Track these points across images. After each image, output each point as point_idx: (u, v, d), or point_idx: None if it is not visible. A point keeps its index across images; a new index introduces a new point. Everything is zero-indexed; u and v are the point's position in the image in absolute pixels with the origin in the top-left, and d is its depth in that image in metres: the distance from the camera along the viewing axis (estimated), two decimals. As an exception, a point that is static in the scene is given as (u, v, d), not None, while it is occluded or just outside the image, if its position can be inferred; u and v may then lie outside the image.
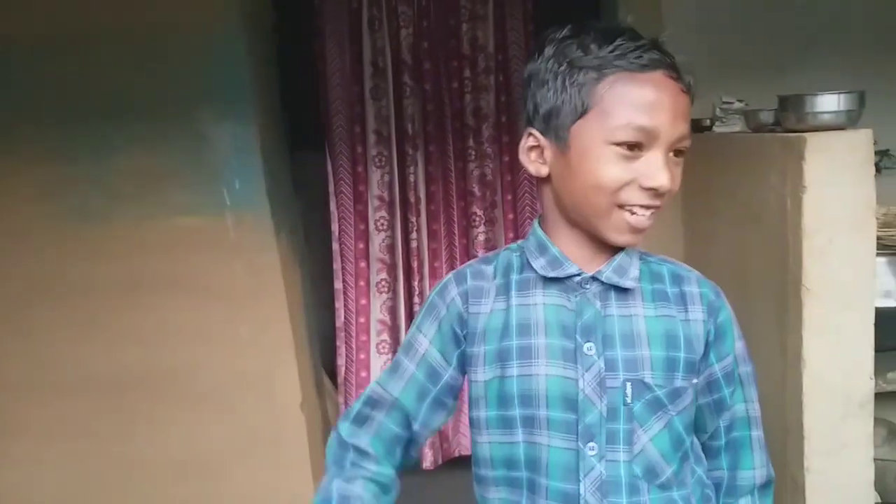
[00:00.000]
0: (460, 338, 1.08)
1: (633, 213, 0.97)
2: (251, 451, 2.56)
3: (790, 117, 1.80)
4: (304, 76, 2.94)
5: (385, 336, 3.07)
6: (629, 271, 1.04)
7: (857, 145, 1.69)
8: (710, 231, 2.32)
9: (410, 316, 3.07)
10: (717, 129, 2.32)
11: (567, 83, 0.96)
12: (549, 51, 0.99)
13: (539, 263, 1.05)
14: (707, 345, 1.05)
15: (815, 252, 1.72)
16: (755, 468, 1.11)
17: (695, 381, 1.04)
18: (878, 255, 1.76)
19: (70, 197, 2.41)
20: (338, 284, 3.03)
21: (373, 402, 1.12)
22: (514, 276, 1.07)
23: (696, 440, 1.11)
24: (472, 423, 1.09)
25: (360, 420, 1.11)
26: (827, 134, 1.70)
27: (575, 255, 1.04)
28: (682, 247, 2.55)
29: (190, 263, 2.44)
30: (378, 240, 3.02)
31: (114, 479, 2.57)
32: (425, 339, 1.09)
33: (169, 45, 2.32)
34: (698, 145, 2.27)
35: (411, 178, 2.97)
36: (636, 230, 0.99)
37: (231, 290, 2.46)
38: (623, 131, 0.94)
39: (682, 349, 1.02)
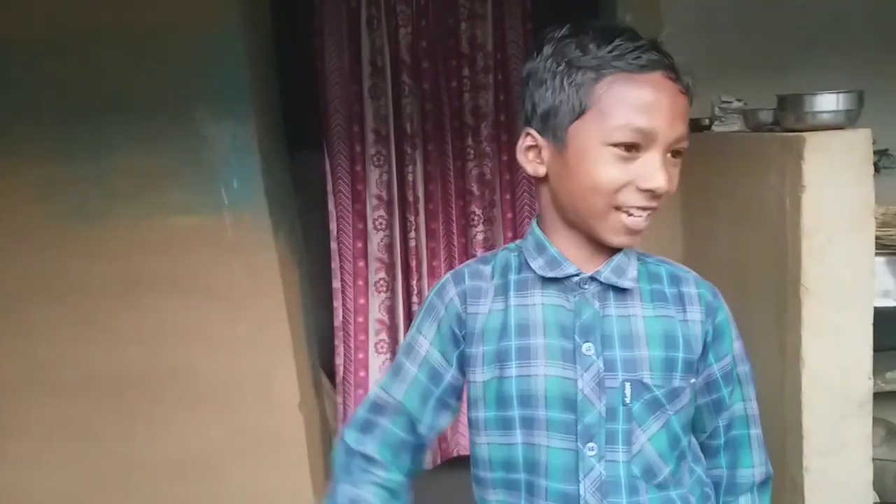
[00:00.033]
0: (459, 338, 1.07)
1: (629, 215, 0.97)
2: (250, 450, 2.56)
3: (789, 117, 1.79)
4: (302, 75, 2.94)
5: (383, 335, 3.07)
6: (627, 271, 1.04)
7: (856, 145, 1.69)
8: (709, 230, 2.32)
9: (409, 315, 3.07)
10: (716, 128, 2.32)
11: (565, 83, 0.96)
12: (547, 50, 0.99)
13: (537, 264, 1.05)
14: (705, 345, 1.06)
15: (813, 251, 1.72)
16: (754, 466, 1.12)
17: (693, 381, 1.05)
18: (876, 254, 1.75)
19: (69, 196, 2.41)
20: (336, 284, 3.03)
21: (377, 408, 1.11)
22: (513, 277, 1.07)
23: (693, 439, 1.11)
24: (471, 424, 1.09)
25: (366, 427, 1.11)
26: (826, 133, 1.70)
27: (573, 256, 1.04)
28: (681, 246, 2.55)
29: (188, 263, 2.44)
30: (376, 239, 3.02)
31: (113, 479, 2.57)
32: (425, 341, 1.09)
33: (168, 44, 2.32)
34: (697, 145, 2.26)
35: (410, 177, 2.97)
36: (633, 232, 0.99)
37: (229, 289, 2.46)
38: (620, 132, 0.93)
39: (680, 349, 1.02)
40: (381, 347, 3.07)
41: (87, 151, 2.38)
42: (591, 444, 0.99)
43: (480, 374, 1.05)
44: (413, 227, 2.99)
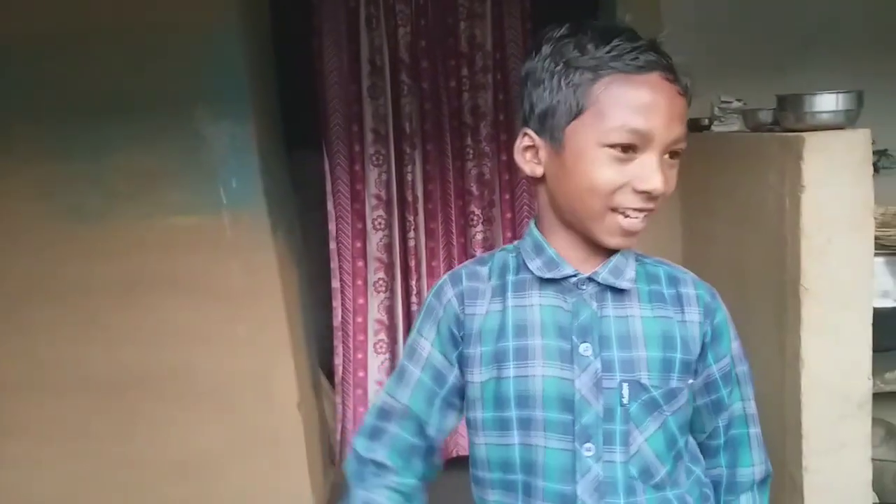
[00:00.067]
0: (458, 339, 1.07)
1: (626, 216, 0.97)
2: (249, 450, 2.56)
3: (789, 117, 1.79)
4: (301, 75, 2.94)
5: (382, 335, 3.07)
6: (625, 272, 1.03)
7: (856, 145, 1.69)
8: (709, 231, 2.32)
9: (408, 315, 3.07)
10: (716, 128, 2.32)
11: (563, 83, 0.96)
12: (546, 50, 0.99)
13: (535, 265, 1.04)
14: (704, 346, 1.06)
15: (813, 252, 1.72)
16: (754, 465, 1.12)
17: (690, 381, 1.05)
18: (876, 254, 1.75)
19: (68, 196, 2.42)
20: (335, 283, 3.03)
21: (384, 414, 1.11)
22: (511, 277, 1.07)
23: (691, 440, 1.11)
24: (469, 425, 1.09)
25: (374, 434, 1.11)
26: (825, 133, 1.70)
27: (571, 256, 1.04)
28: (680, 246, 2.55)
29: (187, 263, 2.44)
30: (375, 239, 3.02)
31: (113, 479, 2.57)
32: (427, 343, 1.09)
33: (167, 44, 2.32)
34: (697, 145, 2.27)
35: (409, 177, 2.97)
36: (629, 233, 0.99)
37: (228, 289, 2.46)
38: (617, 133, 0.93)
39: (678, 350, 1.02)
40: (380, 347, 3.07)
41: (87, 151, 2.39)
42: (588, 445, 0.99)
43: (478, 375, 1.05)
44: (412, 227, 2.99)
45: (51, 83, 2.35)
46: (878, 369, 1.83)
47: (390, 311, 3.06)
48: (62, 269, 2.45)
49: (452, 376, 1.08)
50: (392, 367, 3.06)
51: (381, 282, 3.04)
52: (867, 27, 2.56)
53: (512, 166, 3.01)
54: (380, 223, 3.00)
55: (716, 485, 1.12)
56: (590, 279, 1.03)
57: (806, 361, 1.76)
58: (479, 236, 3.05)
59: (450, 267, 2.90)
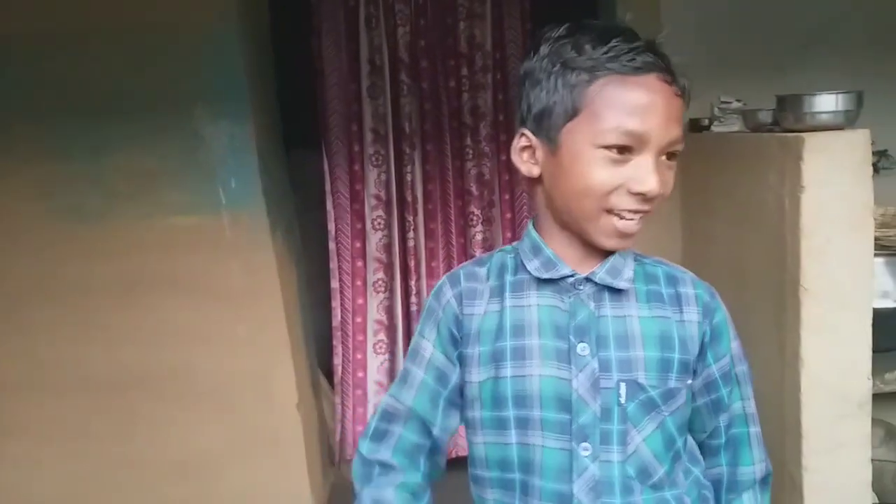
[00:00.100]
0: (457, 339, 1.08)
1: (621, 218, 0.97)
2: (248, 450, 2.56)
3: (788, 117, 1.80)
4: (300, 74, 2.94)
5: (382, 336, 3.07)
6: (623, 272, 1.04)
7: (856, 145, 1.69)
8: (709, 231, 2.32)
9: (407, 315, 3.07)
10: (716, 128, 2.32)
11: (559, 84, 0.96)
12: (544, 50, 0.98)
13: (533, 265, 1.05)
14: (703, 345, 1.06)
15: (813, 252, 1.72)
16: (755, 463, 1.12)
17: (689, 381, 1.05)
18: (875, 255, 1.76)
19: (67, 196, 2.41)
20: (334, 284, 3.03)
21: (388, 416, 1.12)
22: (509, 278, 1.07)
23: (690, 440, 1.11)
24: (468, 424, 1.10)
25: (379, 436, 1.11)
26: (825, 134, 1.70)
27: (568, 257, 1.04)
28: (680, 246, 2.56)
29: (186, 263, 2.44)
30: (375, 239, 3.01)
31: (112, 479, 2.57)
32: (429, 344, 1.10)
33: (167, 44, 2.32)
34: (696, 145, 2.27)
35: (408, 177, 2.96)
36: (624, 235, 0.99)
37: (228, 289, 2.47)
38: (612, 134, 0.93)
39: (676, 350, 1.02)
40: (380, 348, 3.07)
41: (87, 151, 2.39)
42: (584, 445, 0.99)
43: (476, 375, 1.05)
44: (412, 227, 2.99)
45: (51, 83, 2.35)
46: (877, 369, 1.83)
47: (390, 311, 3.06)
48: (62, 269, 2.45)
49: (455, 376, 1.09)
50: (391, 368, 3.06)
51: (380, 282, 3.04)
52: (867, 27, 2.56)
53: (511, 167, 2.98)
54: (379, 223, 3.00)
55: (717, 484, 1.13)
56: (587, 279, 1.03)
57: (805, 361, 1.76)
58: (479, 237, 3.05)
59: (449, 267, 2.90)
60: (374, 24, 2.86)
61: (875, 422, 1.85)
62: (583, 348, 1.00)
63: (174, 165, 2.39)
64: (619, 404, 0.99)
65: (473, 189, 3.01)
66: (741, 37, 2.53)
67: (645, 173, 0.94)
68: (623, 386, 0.99)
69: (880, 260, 2.02)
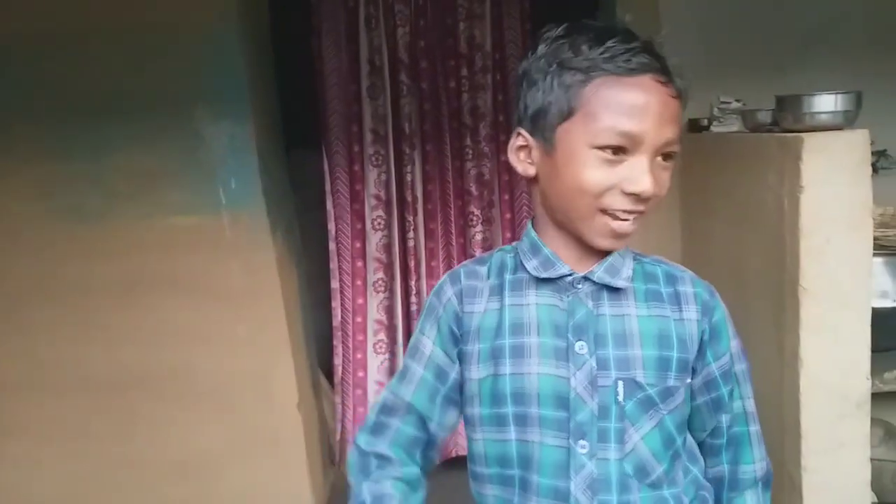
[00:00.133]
0: (457, 336, 1.08)
1: (615, 218, 0.97)
2: (248, 450, 2.57)
3: (787, 117, 1.80)
4: (300, 75, 2.94)
5: (382, 335, 3.07)
6: (621, 271, 1.04)
7: (855, 145, 1.69)
8: (708, 231, 2.32)
9: (407, 315, 3.07)
10: (715, 128, 2.32)
11: (555, 84, 0.96)
12: (541, 50, 0.99)
13: (532, 264, 1.05)
14: (702, 344, 1.06)
15: (812, 252, 1.72)
16: (755, 462, 1.12)
17: (688, 380, 1.05)
18: (874, 255, 1.76)
19: (67, 196, 2.42)
20: (334, 284, 3.03)
21: (387, 410, 1.12)
22: (508, 277, 1.08)
23: (690, 439, 1.11)
24: (467, 421, 1.10)
25: (377, 429, 1.12)
26: (824, 134, 1.70)
27: (566, 256, 1.04)
28: (679, 246, 2.56)
29: (187, 263, 2.45)
30: (375, 239, 3.02)
31: (113, 479, 2.58)
32: (429, 341, 1.10)
33: (167, 44, 2.33)
34: (696, 145, 2.27)
35: (408, 177, 2.97)
36: (619, 235, 0.99)
37: (228, 289, 2.47)
38: (606, 135, 0.93)
39: (674, 349, 1.02)
40: (380, 348, 3.07)
41: (87, 151, 2.39)
42: (582, 442, 1.00)
43: (476, 372, 1.06)
44: (412, 228, 2.99)
45: (51, 83, 2.35)
46: (876, 369, 1.83)
47: (390, 311, 3.06)
48: (62, 269, 2.46)
49: (454, 373, 1.09)
50: (391, 367, 3.06)
51: (380, 282, 3.04)
52: (867, 27, 2.56)
53: (511, 167, 3.00)
54: (379, 223, 3.00)
55: (719, 483, 1.13)
56: (585, 278, 1.03)
57: (805, 361, 1.76)
58: (479, 237, 3.05)
59: (449, 267, 2.90)
60: (373, 24, 2.86)
61: (874, 421, 1.85)
62: (581, 347, 1.01)
63: (174, 165, 2.39)
64: (617, 402, 1.00)
65: (473, 189, 3.01)
66: (741, 37, 2.53)
67: (639, 174, 0.94)
68: (621, 384, 1.00)
69: (879, 260, 2.02)
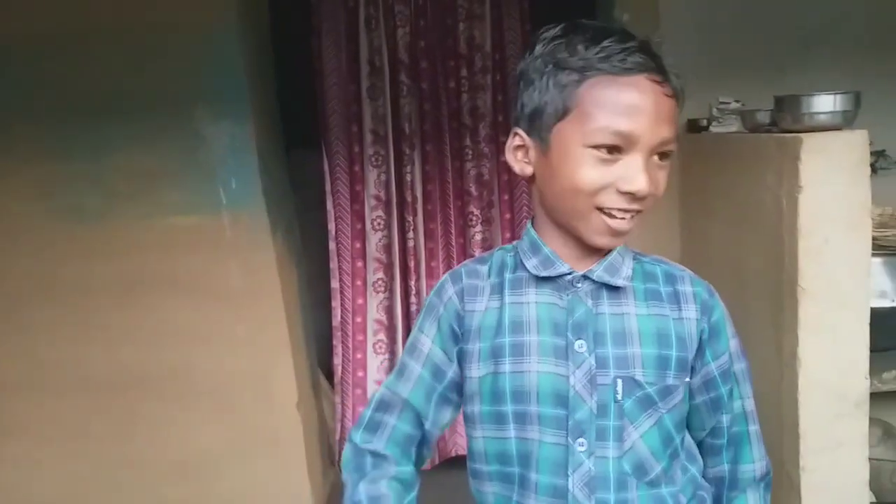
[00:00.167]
0: (458, 335, 1.09)
1: (612, 217, 0.97)
2: (248, 450, 2.57)
3: (786, 118, 1.80)
4: (300, 75, 2.94)
5: (382, 336, 3.07)
6: (621, 270, 1.04)
7: (853, 146, 1.69)
8: (707, 231, 2.32)
9: (407, 315, 3.07)
10: (714, 129, 2.32)
11: (551, 83, 0.97)
12: (538, 49, 0.99)
13: (532, 263, 1.06)
14: (701, 343, 1.06)
15: (810, 252, 1.72)
16: (755, 461, 1.12)
17: (687, 379, 1.05)
18: (873, 255, 1.76)
19: (67, 196, 2.42)
20: (334, 284, 3.03)
21: (383, 406, 1.13)
22: (508, 275, 1.08)
23: (688, 438, 1.12)
24: (467, 419, 1.11)
25: (373, 426, 1.12)
26: (823, 134, 1.70)
27: (566, 255, 1.05)
28: (678, 246, 2.56)
29: (187, 263, 2.45)
30: (375, 239, 3.02)
31: (112, 479, 2.58)
32: (427, 340, 1.10)
33: (167, 44, 2.33)
34: (695, 145, 2.27)
35: (408, 178, 2.97)
36: (615, 233, 0.99)
37: (228, 289, 2.47)
38: (601, 134, 0.94)
39: (673, 347, 1.03)
40: (380, 347, 3.08)
41: (87, 151, 2.39)
42: (580, 440, 1.00)
43: (476, 370, 1.06)
44: (411, 228, 3.00)
45: (51, 83, 2.36)
46: (875, 369, 1.83)
47: (389, 311, 3.06)
48: (62, 269, 2.46)
49: (451, 372, 1.10)
50: (391, 367, 3.06)
51: (380, 282, 3.04)
52: (867, 27, 2.56)
53: (510, 167, 3.00)
54: (379, 224, 3.01)
55: (719, 483, 1.13)
56: (585, 277, 1.04)
57: (803, 361, 1.76)
58: (478, 237, 3.05)
59: (449, 267, 2.90)
60: (373, 24, 2.86)
61: (873, 421, 1.85)
62: (580, 345, 1.01)
63: (174, 165, 2.39)
64: (616, 401, 1.00)
65: (473, 189, 3.02)
66: (741, 37, 2.53)
67: (634, 173, 0.94)
68: (620, 382, 1.00)
69: (878, 260, 2.02)
